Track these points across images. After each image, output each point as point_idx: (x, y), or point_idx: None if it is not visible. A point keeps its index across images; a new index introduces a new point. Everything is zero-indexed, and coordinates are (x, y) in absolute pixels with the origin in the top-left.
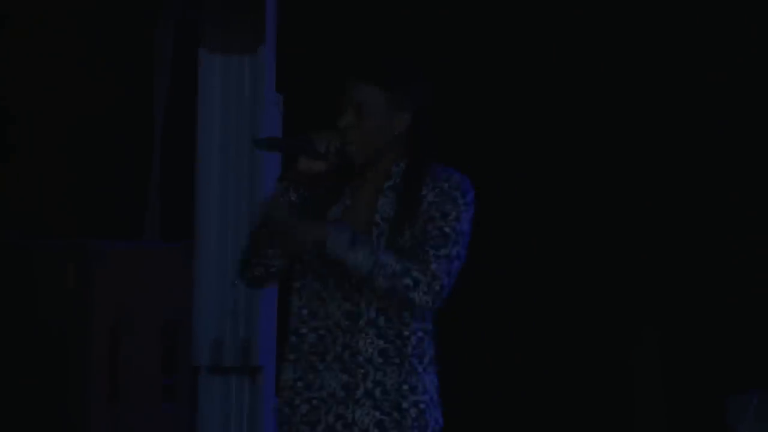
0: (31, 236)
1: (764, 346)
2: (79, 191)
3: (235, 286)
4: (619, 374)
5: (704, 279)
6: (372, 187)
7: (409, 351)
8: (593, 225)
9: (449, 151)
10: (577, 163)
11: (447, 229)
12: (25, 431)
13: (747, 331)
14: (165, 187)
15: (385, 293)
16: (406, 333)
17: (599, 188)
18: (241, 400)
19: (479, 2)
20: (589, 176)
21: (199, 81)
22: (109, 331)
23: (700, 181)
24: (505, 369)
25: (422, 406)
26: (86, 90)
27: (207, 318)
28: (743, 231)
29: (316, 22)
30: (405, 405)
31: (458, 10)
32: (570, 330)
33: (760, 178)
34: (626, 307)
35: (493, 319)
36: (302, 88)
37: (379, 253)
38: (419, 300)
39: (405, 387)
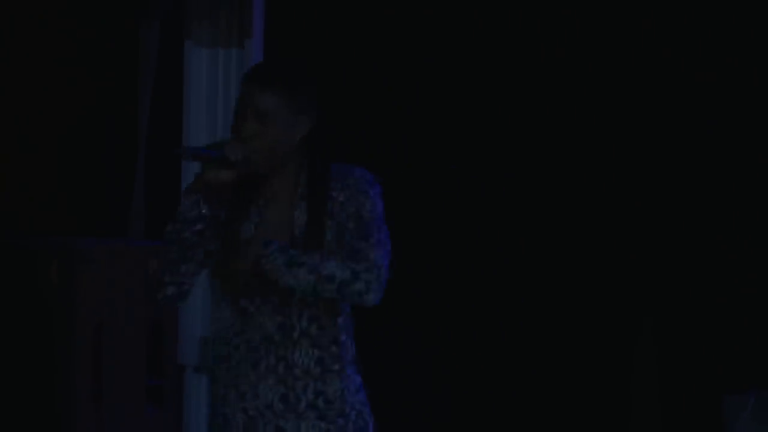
0: (14, 234)
1: (761, 345)
2: (63, 189)
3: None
4: (616, 371)
5: (702, 277)
6: (284, 198)
7: (345, 355)
8: (592, 219)
9: (448, 148)
10: (579, 156)
11: (367, 219)
12: (8, 430)
13: (744, 331)
14: (150, 184)
15: (331, 301)
16: (342, 338)
17: (599, 182)
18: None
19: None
20: (591, 169)
21: (185, 75)
22: (94, 330)
23: (700, 176)
24: (501, 365)
25: (359, 406)
26: (70, 87)
27: (194, 317)
28: (741, 229)
29: (305, 15)
30: (347, 410)
31: (446, 8)
32: (567, 327)
33: (759, 177)
34: (624, 304)
35: (490, 315)
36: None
37: (320, 265)
38: (372, 300)
39: (345, 392)
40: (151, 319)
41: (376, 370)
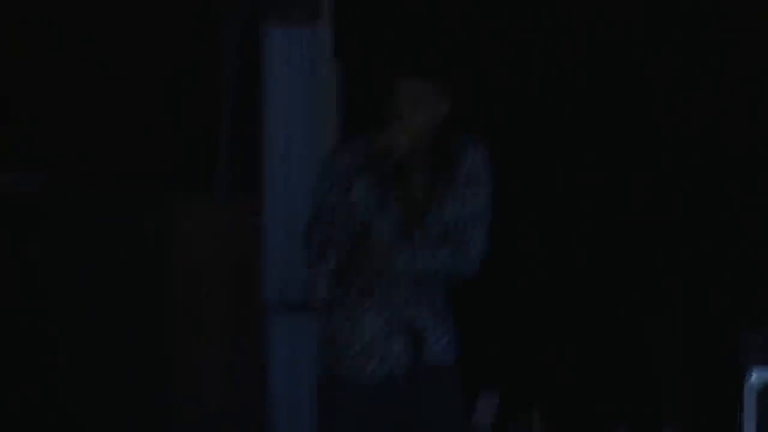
0: (122, 189)
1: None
2: (164, 152)
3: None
4: (636, 316)
5: (720, 221)
6: (420, 172)
7: (446, 305)
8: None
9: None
10: (601, 140)
11: (482, 200)
12: (123, 358)
13: (759, 275)
14: (234, 145)
15: (447, 247)
16: (443, 289)
17: (615, 165)
18: (302, 331)
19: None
20: (610, 154)
21: (265, 49)
22: (189, 271)
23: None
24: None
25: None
26: (161, 55)
27: (275, 260)
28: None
29: None
30: (445, 340)
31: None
32: (590, 269)
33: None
34: (649, 247)
35: (515, 291)
36: (356, 54)
37: (433, 260)
38: (467, 276)
39: (443, 328)
40: (233, 264)
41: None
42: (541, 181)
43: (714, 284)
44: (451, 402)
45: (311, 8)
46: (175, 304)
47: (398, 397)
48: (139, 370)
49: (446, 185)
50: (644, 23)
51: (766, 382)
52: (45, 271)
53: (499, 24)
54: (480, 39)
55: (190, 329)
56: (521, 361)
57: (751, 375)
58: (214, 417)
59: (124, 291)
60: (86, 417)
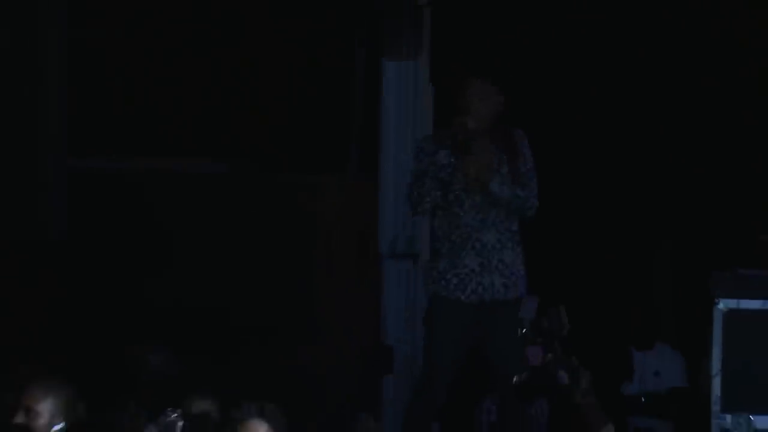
0: (282, 173)
1: (740, 237)
2: (312, 145)
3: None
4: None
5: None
6: (487, 146)
7: (516, 238)
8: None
9: None
10: (605, 97)
11: (530, 165)
12: (281, 292)
13: (730, 225)
14: (361, 141)
15: (513, 210)
16: (514, 228)
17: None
18: (405, 273)
19: None
20: (612, 110)
21: (383, 74)
22: (327, 230)
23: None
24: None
25: (523, 272)
26: (314, 77)
27: (387, 223)
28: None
29: (456, 35)
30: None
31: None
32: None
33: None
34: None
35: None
36: (447, 80)
37: (514, 188)
38: (532, 213)
39: (517, 261)
40: (359, 226)
41: None
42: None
43: (695, 235)
44: (514, 326)
45: (415, 48)
46: (317, 255)
47: (483, 318)
48: (293, 300)
49: (505, 159)
50: None
51: (730, 309)
52: (228, 233)
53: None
54: (525, 55)
55: (327, 272)
56: (552, 274)
57: (719, 303)
58: (343, 332)
59: (283, 245)
60: (258, 329)
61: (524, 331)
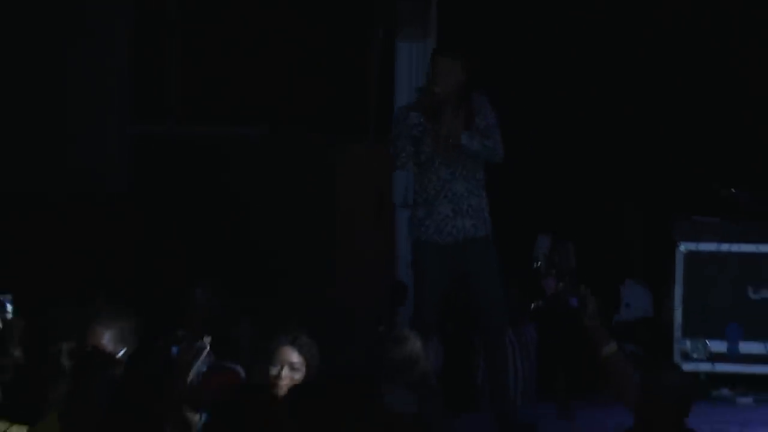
0: (312, 137)
1: (697, 184)
2: (337, 112)
3: None
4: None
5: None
6: (453, 113)
7: (482, 185)
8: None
9: None
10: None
11: (491, 120)
12: (311, 241)
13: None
14: (378, 111)
15: (482, 157)
16: (479, 177)
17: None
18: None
19: None
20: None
21: (396, 53)
22: (349, 185)
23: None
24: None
25: (487, 214)
26: (339, 54)
27: (400, 178)
28: None
29: (459, 21)
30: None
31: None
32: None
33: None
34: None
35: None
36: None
37: (481, 140)
38: (499, 159)
39: (482, 204)
40: (376, 181)
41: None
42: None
43: (661, 186)
44: (491, 259)
45: (423, 31)
46: (342, 206)
47: (458, 255)
48: (321, 244)
49: (469, 121)
50: None
51: (690, 250)
52: (268, 186)
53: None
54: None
55: (350, 220)
56: (559, 215)
57: (680, 246)
58: (363, 271)
59: (314, 197)
60: (292, 269)
61: (539, 264)
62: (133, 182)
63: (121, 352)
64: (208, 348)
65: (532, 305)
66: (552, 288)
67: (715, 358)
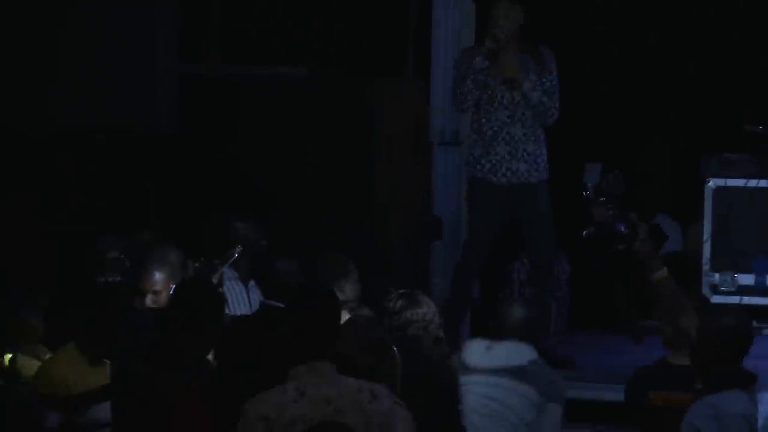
0: (353, 77)
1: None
2: (377, 52)
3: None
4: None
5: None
6: (514, 54)
7: (539, 132)
8: None
9: None
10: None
11: (555, 81)
12: (350, 178)
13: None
14: (417, 45)
15: (538, 111)
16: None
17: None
18: (452, 157)
19: None
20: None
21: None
22: (387, 122)
23: None
24: None
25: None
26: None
27: (437, 118)
28: None
29: None
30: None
31: None
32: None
33: None
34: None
35: None
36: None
37: (541, 95)
38: (551, 121)
39: (538, 150)
40: (414, 119)
41: None
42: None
43: (689, 123)
44: (543, 204)
45: None
46: (380, 144)
47: (511, 197)
48: (360, 181)
49: (533, 68)
50: None
51: (718, 186)
52: (309, 125)
53: None
54: None
55: (388, 157)
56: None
57: (709, 182)
58: (401, 206)
59: (353, 135)
60: (331, 205)
61: (588, 193)
62: (179, 122)
63: (172, 288)
64: (237, 255)
65: (584, 233)
66: (602, 216)
67: (743, 291)
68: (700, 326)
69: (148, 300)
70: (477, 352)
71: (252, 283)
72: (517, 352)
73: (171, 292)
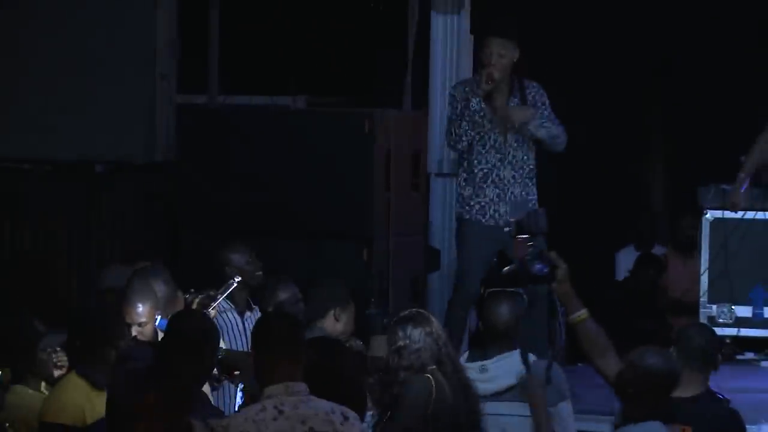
0: (352, 107)
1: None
2: (376, 82)
3: None
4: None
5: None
6: (505, 96)
7: (531, 174)
8: None
9: None
10: None
11: (549, 111)
12: (349, 206)
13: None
14: (414, 80)
15: (547, 143)
16: (531, 165)
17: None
18: (450, 192)
19: None
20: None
21: (431, 25)
22: (385, 153)
23: None
24: None
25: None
26: (375, 27)
27: (435, 149)
28: None
29: None
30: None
31: None
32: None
33: None
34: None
35: None
36: (482, 31)
37: (549, 128)
38: (563, 148)
39: (528, 194)
40: (413, 150)
41: None
42: None
43: (686, 156)
44: None
45: (457, 4)
46: (379, 173)
47: (499, 237)
48: (359, 209)
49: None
50: None
51: (715, 218)
52: (307, 155)
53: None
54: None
55: (386, 187)
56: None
57: (706, 213)
58: (399, 235)
59: (351, 165)
60: (330, 232)
61: (509, 229)
62: (178, 151)
63: (158, 317)
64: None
65: (503, 270)
66: (522, 253)
67: (740, 323)
68: (624, 367)
69: (134, 331)
70: (473, 376)
71: (248, 314)
72: (508, 370)
73: (156, 324)
